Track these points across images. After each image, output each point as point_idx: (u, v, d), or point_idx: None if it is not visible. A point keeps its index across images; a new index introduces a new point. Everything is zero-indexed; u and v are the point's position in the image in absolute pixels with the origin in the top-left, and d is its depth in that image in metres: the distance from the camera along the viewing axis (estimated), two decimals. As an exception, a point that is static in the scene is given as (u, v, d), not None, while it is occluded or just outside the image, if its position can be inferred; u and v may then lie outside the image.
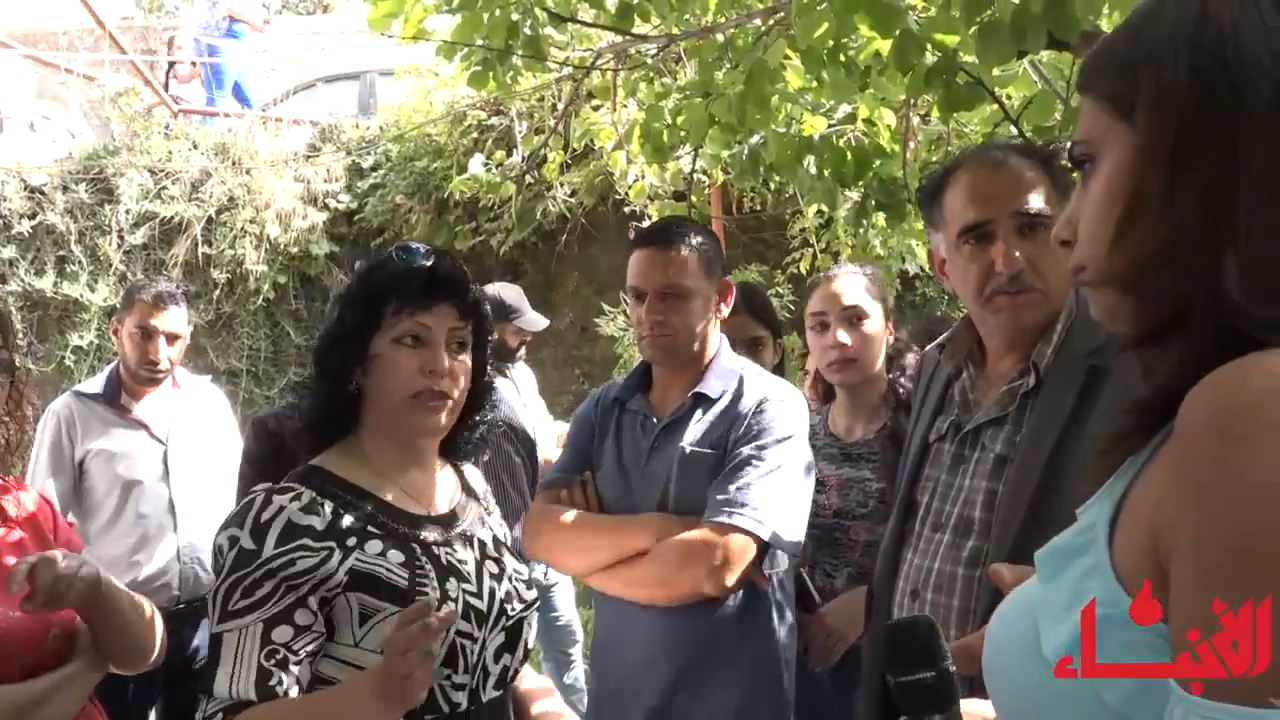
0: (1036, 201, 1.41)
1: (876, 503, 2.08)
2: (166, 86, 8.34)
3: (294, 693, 1.21)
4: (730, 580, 1.71)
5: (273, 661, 1.21)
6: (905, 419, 2.17)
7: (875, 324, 2.21)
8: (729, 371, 1.90)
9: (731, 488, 1.73)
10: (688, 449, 1.82)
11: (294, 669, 1.22)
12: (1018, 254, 1.39)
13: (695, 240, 1.88)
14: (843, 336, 2.17)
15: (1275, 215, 0.61)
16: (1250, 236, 0.61)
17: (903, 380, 2.22)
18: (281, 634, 1.22)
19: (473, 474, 1.60)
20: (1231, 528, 0.55)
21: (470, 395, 1.45)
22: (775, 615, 1.84)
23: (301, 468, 1.38)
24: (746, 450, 1.77)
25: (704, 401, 1.86)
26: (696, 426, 1.85)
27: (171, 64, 8.41)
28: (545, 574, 3.53)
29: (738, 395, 1.86)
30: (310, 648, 1.24)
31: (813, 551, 2.10)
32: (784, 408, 1.84)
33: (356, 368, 1.37)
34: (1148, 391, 0.67)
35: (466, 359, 1.41)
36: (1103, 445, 0.71)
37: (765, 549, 1.75)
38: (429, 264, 1.38)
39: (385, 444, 1.41)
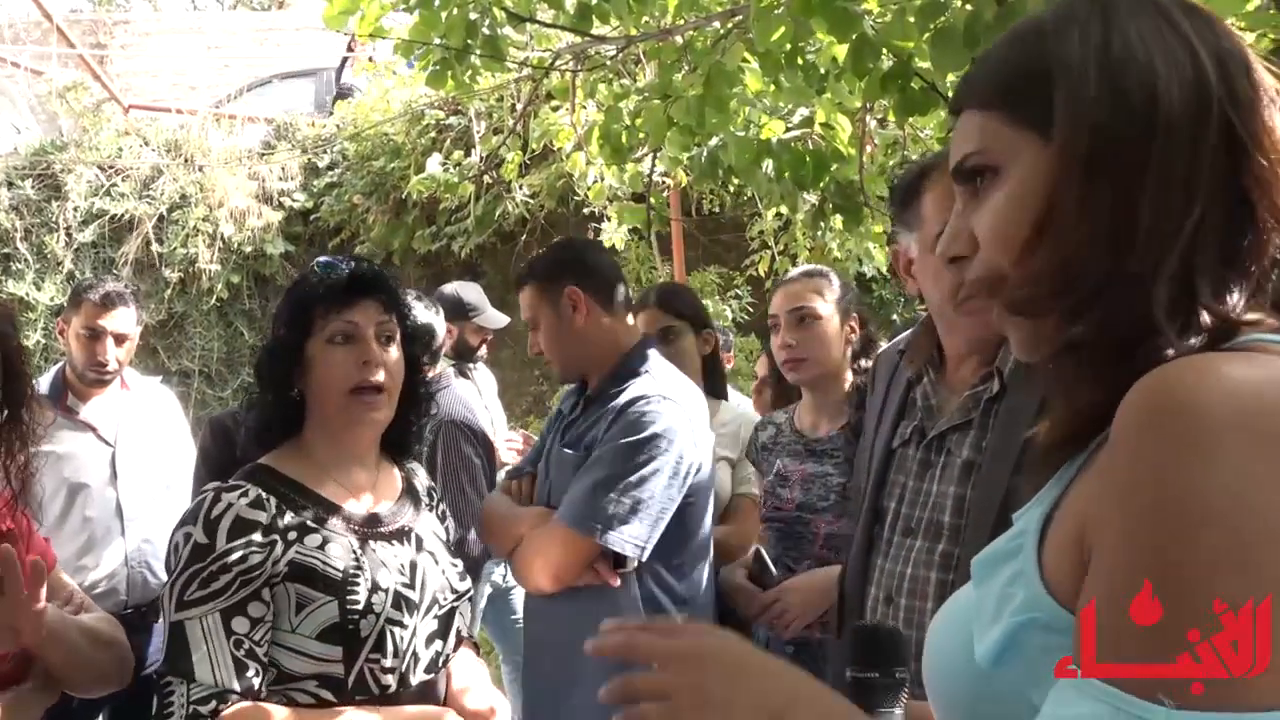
0: None
1: (838, 496, 2.12)
2: (340, 71, 7.94)
3: (265, 685, 1.33)
4: (565, 577, 1.78)
5: (242, 651, 1.30)
6: (864, 415, 2.21)
7: (828, 324, 2.24)
8: (627, 372, 1.90)
9: (577, 488, 1.79)
10: (558, 449, 1.92)
11: (262, 659, 1.33)
12: None
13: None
14: (789, 337, 2.21)
15: (1178, 224, 0.63)
16: (1149, 245, 0.63)
17: (863, 377, 2.25)
18: (239, 625, 1.31)
19: (417, 472, 1.68)
20: (1157, 530, 0.55)
21: (408, 392, 1.55)
22: (642, 610, 1.80)
23: (249, 466, 1.47)
24: (601, 450, 1.81)
25: (590, 401, 1.95)
26: (580, 426, 1.92)
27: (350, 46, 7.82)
28: (504, 577, 3.51)
29: (617, 394, 1.86)
30: (268, 638, 1.34)
31: (775, 544, 2.14)
32: (653, 407, 1.81)
33: (296, 374, 1.47)
34: (1084, 399, 0.67)
35: (396, 352, 1.51)
36: (1041, 451, 0.72)
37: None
38: (349, 268, 1.50)
39: (328, 444, 1.50)
